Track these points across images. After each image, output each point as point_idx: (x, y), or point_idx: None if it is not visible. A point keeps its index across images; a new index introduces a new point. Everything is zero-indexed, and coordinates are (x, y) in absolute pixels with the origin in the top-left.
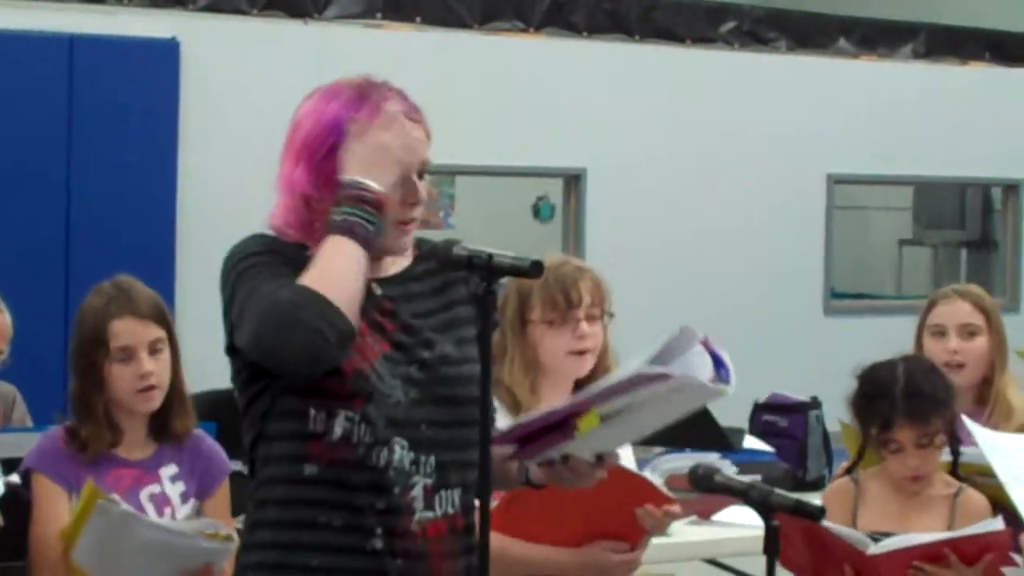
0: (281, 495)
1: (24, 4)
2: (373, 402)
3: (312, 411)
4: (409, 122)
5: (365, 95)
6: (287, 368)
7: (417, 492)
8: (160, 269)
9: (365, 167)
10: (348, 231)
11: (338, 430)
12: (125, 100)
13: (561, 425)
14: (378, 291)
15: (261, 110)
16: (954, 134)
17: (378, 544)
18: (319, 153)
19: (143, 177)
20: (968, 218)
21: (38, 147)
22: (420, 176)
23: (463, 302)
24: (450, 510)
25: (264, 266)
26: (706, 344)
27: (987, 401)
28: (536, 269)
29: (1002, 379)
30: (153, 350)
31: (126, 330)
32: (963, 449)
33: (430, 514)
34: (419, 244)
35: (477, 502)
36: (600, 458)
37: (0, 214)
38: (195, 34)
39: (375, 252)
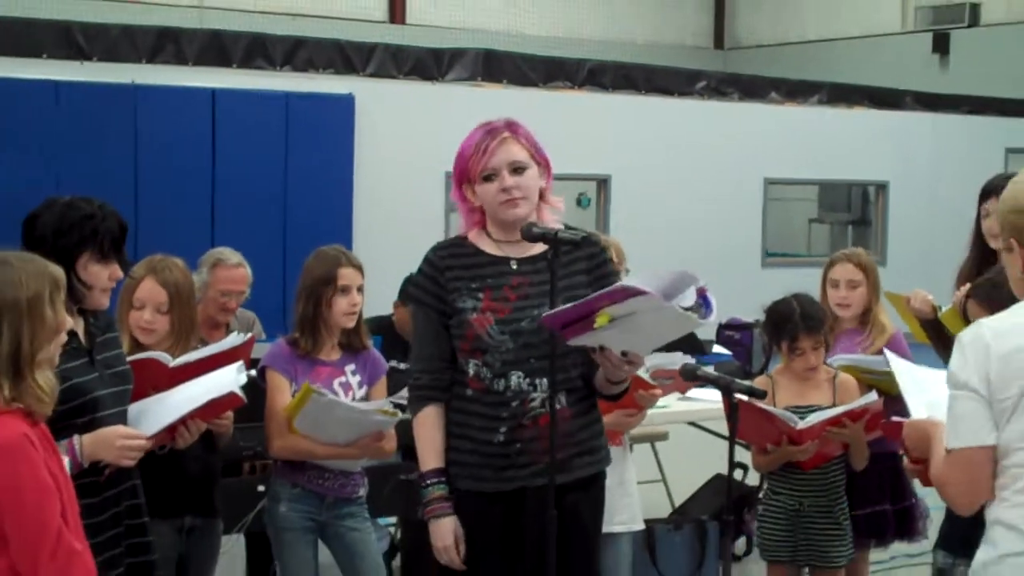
0: (454, 406)
1: (251, 72)
2: (488, 353)
3: (460, 360)
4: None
5: (484, 127)
6: None
7: (535, 403)
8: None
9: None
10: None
11: (471, 371)
12: (320, 140)
13: (585, 319)
14: (514, 266)
15: (408, 143)
16: (845, 152)
17: (501, 438)
18: (459, 173)
19: (330, 194)
20: (853, 205)
21: (264, 174)
22: (512, 172)
23: (578, 273)
24: (556, 406)
25: (420, 321)
26: (702, 291)
27: (867, 324)
28: (586, 241)
29: (877, 308)
30: (359, 290)
31: (348, 274)
32: (844, 356)
33: (541, 410)
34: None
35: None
36: (625, 355)
37: (238, 220)
38: (365, 91)
39: (507, 229)
